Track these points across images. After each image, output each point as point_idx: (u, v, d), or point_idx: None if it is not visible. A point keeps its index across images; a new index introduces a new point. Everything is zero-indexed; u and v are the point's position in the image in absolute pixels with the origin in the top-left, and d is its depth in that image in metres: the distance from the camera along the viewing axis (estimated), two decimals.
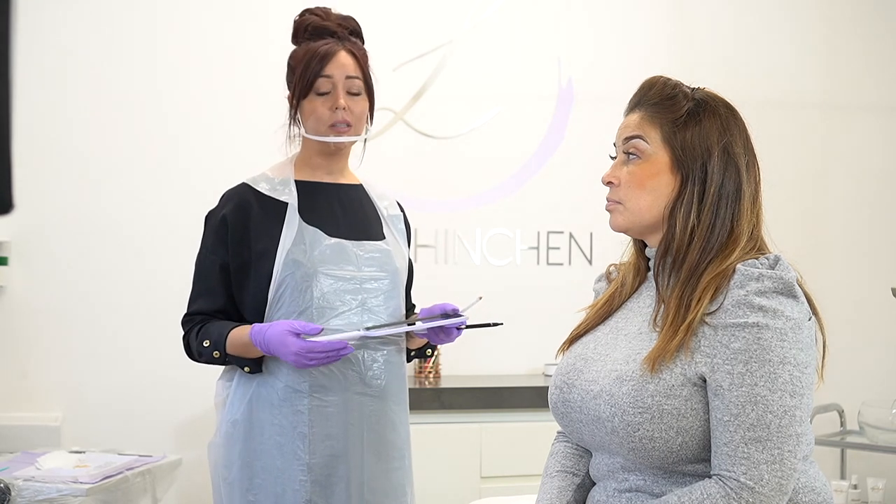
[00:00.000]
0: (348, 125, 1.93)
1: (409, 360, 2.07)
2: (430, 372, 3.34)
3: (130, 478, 2.59)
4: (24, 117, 3.06)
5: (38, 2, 3.19)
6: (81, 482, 2.43)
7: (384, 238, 2.00)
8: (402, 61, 3.43)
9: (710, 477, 1.29)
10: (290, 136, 2.01)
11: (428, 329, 1.91)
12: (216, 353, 1.86)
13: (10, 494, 2.36)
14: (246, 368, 1.88)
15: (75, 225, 3.20)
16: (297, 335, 1.78)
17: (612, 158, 1.47)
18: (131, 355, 3.19)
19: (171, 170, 3.26)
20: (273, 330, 1.80)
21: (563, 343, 1.51)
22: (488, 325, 1.93)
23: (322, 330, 1.81)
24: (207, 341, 1.86)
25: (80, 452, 2.76)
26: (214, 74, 3.32)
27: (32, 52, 3.16)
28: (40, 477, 2.46)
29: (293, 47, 1.99)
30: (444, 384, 3.23)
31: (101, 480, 2.48)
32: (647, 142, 1.40)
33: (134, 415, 3.18)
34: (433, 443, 3.03)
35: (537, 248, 3.63)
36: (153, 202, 3.24)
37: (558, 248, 3.65)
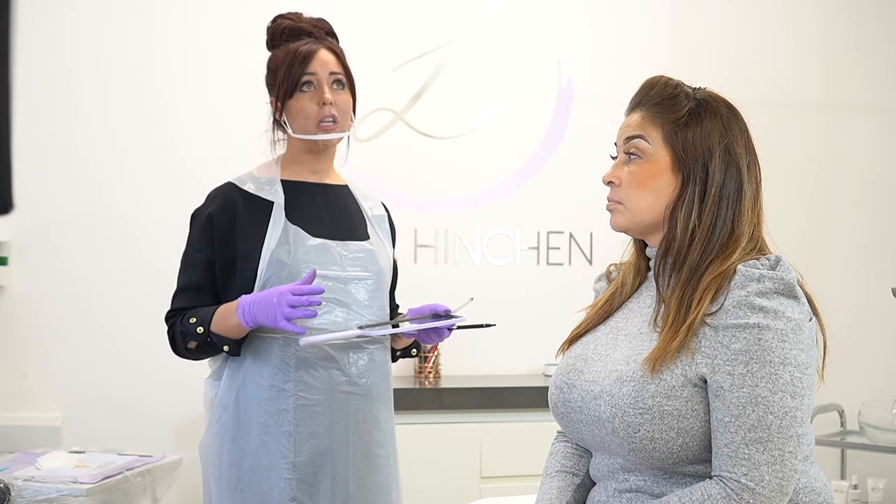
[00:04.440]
0: (335, 120, 1.94)
1: (394, 360, 2.07)
2: (430, 372, 3.34)
3: (130, 478, 2.59)
4: (25, 117, 3.06)
5: (38, 2, 3.19)
6: (81, 482, 2.43)
7: (368, 238, 2.01)
8: (402, 61, 3.43)
9: (710, 478, 1.29)
10: (274, 140, 2.02)
11: (419, 330, 1.92)
12: (200, 329, 1.85)
13: (9, 494, 2.36)
14: (225, 348, 1.87)
15: (75, 225, 3.20)
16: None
17: (613, 158, 1.46)
18: (131, 355, 3.19)
19: (171, 170, 3.26)
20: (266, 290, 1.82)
21: (563, 343, 1.51)
22: (480, 325, 1.93)
23: (317, 288, 1.82)
24: (194, 318, 1.87)
25: (79, 452, 2.76)
26: (214, 75, 3.32)
27: (32, 53, 3.15)
28: (40, 477, 2.45)
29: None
30: (444, 384, 3.23)
31: (101, 480, 2.48)
32: (648, 142, 1.40)
33: (134, 415, 3.18)
34: (433, 443, 3.03)
35: (537, 248, 3.63)
36: (153, 202, 3.24)
37: (558, 248, 3.65)
